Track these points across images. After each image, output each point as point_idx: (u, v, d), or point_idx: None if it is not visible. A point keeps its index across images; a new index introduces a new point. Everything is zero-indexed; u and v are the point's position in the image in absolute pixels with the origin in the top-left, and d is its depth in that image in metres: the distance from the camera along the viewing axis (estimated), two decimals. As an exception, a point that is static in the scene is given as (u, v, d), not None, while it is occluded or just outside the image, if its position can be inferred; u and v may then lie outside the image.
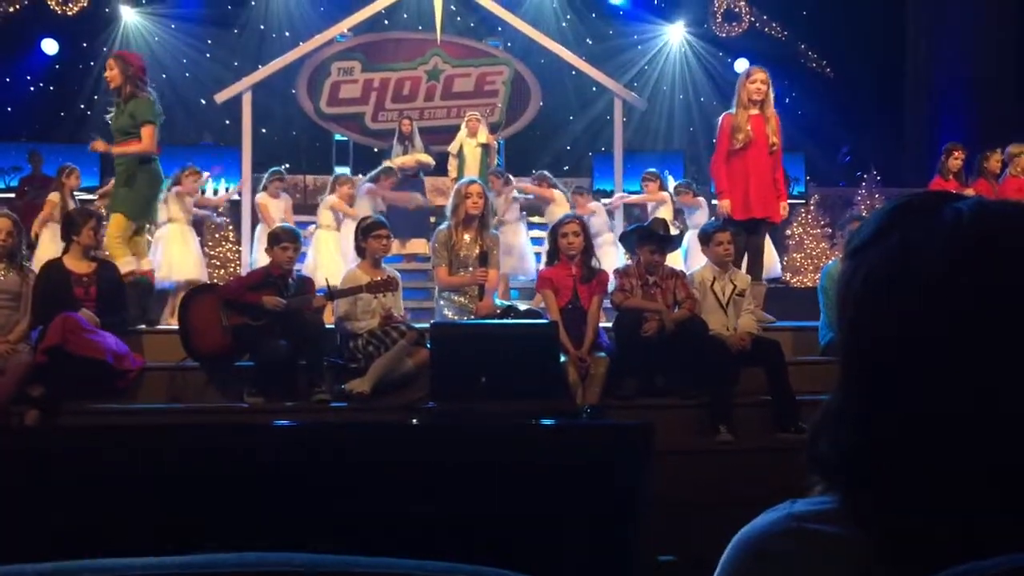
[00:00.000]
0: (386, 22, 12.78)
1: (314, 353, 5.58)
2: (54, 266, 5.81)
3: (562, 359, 5.36)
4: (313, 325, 5.62)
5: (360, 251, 5.97)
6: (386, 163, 9.99)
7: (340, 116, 12.82)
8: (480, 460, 1.94)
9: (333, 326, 5.87)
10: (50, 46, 13.38)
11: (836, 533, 0.77)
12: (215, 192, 10.47)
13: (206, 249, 9.56)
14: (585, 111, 13.59)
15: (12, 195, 10.77)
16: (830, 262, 8.08)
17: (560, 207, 8.77)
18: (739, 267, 6.36)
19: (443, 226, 6.21)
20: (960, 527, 0.73)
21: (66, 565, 0.69)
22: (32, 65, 13.58)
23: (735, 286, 5.90)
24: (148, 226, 7.14)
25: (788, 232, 11.25)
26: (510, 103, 12.92)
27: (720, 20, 14.45)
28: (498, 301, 6.30)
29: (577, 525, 1.86)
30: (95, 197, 9.37)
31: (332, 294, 5.65)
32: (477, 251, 6.01)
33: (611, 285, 5.87)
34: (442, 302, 6.11)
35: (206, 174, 9.10)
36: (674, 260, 7.20)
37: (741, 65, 12.79)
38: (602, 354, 5.56)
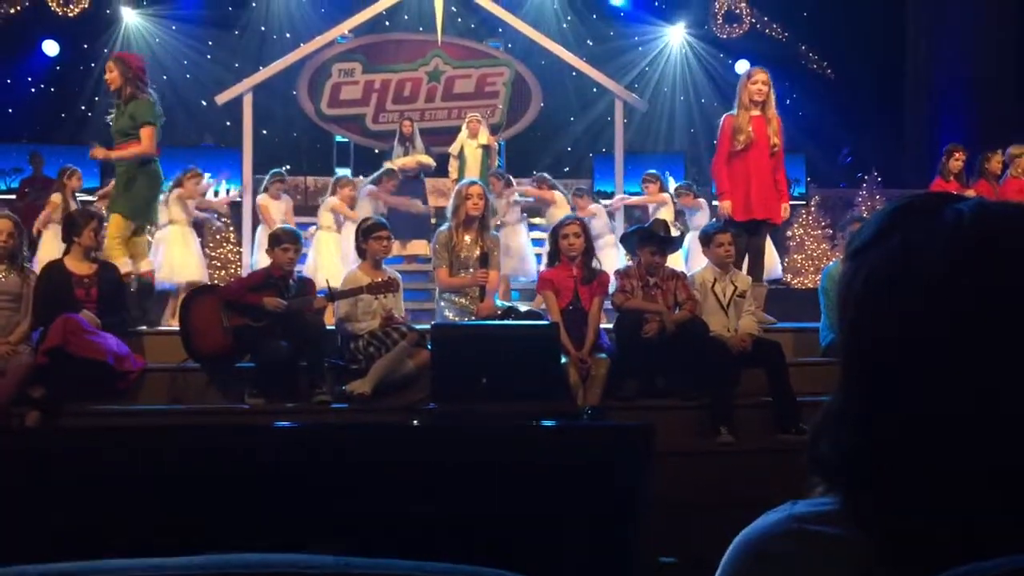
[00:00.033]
0: (387, 23, 12.79)
1: (315, 354, 5.58)
2: (55, 267, 5.81)
3: (563, 360, 5.36)
4: (314, 326, 5.62)
5: (361, 252, 5.97)
6: (387, 164, 9.99)
7: (341, 117, 12.83)
8: (481, 461, 1.94)
9: (334, 327, 5.87)
10: (51, 47, 13.39)
11: (837, 534, 0.77)
12: (215, 194, 10.48)
13: (207, 250, 9.57)
14: (586, 112, 13.59)
15: (13, 196, 10.78)
16: (831, 263, 8.08)
17: (561, 209, 8.77)
18: (739, 268, 6.36)
19: (444, 227, 6.21)
20: (961, 528, 0.73)
21: (68, 566, 0.69)
22: (33, 66, 13.59)
23: (736, 287, 5.90)
24: (149, 227, 7.14)
25: (789, 233, 11.25)
26: (511, 104, 12.93)
27: (721, 21, 14.45)
28: (499, 302, 6.30)
29: (578, 526, 1.86)
30: (95, 198, 9.38)
31: (333, 295, 5.65)
32: (478, 252, 6.01)
33: (612, 286, 5.87)
34: (443, 303, 6.11)
35: (208, 176, 9.09)
36: (675, 261, 7.20)
37: (742, 66, 12.79)
38: (603, 355, 5.56)
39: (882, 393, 0.78)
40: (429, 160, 10.15)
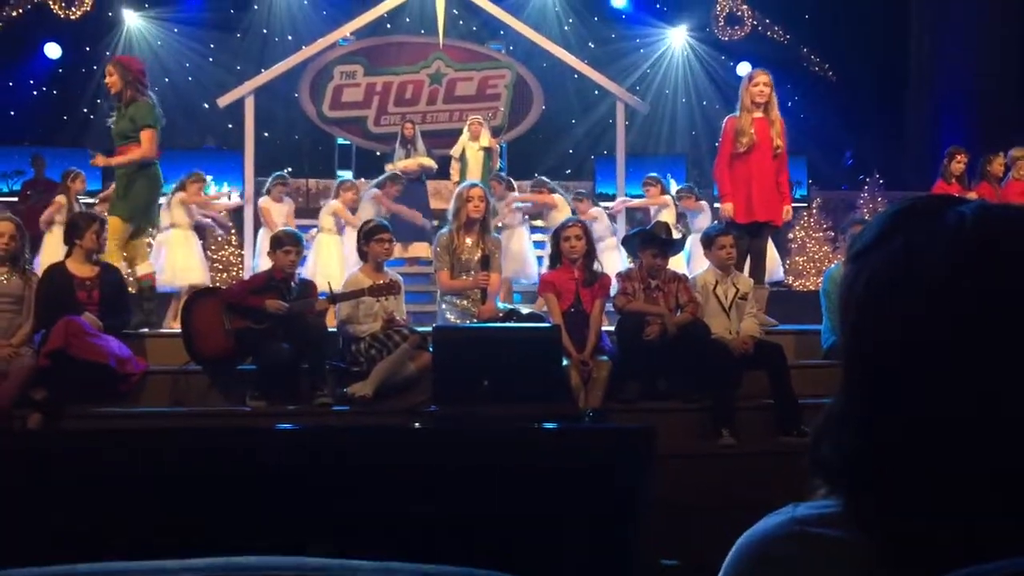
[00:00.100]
0: (388, 26, 12.81)
1: (316, 356, 5.58)
2: (57, 270, 5.81)
3: (564, 363, 5.36)
4: (315, 328, 5.62)
5: (362, 255, 5.98)
6: (389, 167, 10.01)
7: (342, 120, 12.85)
8: (482, 463, 1.94)
9: (335, 329, 5.88)
10: (53, 50, 13.41)
11: (839, 537, 0.77)
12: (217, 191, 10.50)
13: (208, 253, 9.57)
14: (587, 115, 13.60)
15: (15, 199, 10.79)
16: (832, 265, 8.07)
17: (561, 211, 8.77)
18: (741, 270, 6.36)
19: (444, 230, 6.21)
20: (962, 531, 0.73)
21: (70, 569, 0.69)
22: (35, 69, 13.61)
23: (737, 289, 5.89)
24: (150, 230, 7.15)
25: (790, 235, 11.26)
26: (512, 107, 12.95)
27: (722, 24, 14.46)
28: (500, 305, 6.30)
29: (579, 528, 1.86)
30: (96, 201, 9.39)
31: (334, 298, 5.66)
32: (479, 255, 6.01)
33: (613, 289, 5.87)
34: (444, 306, 6.11)
35: (210, 179, 9.10)
36: (676, 264, 7.20)
37: (743, 68, 12.79)
38: (604, 358, 5.56)
39: (884, 396, 0.78)
40: (430, 162, 10.15)
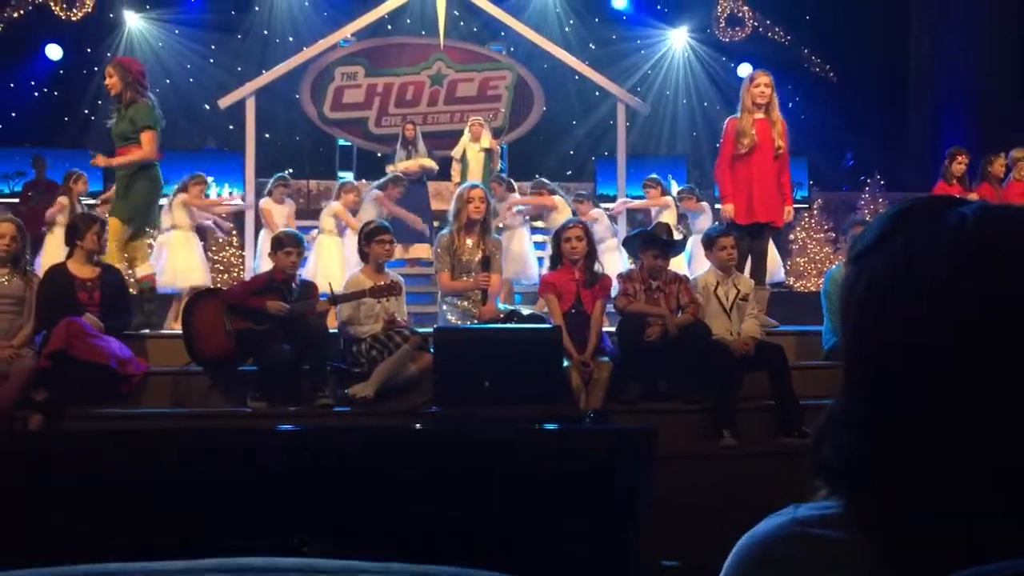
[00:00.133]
0: (389, 27, 12.81)
1: (317, 357, 5.58)
2: (58, 271, 5.82)
3: (565, 364, 5.35)
4: (316, 330, 5.62)
5: (363, 256, 5.98)
6: (390, 168, 10.01)
7: (343, 121, 12.85)
8: (483, 464, 1.94)
9: (336, 331, 5.88)
10: (54, 51, 13.41)
11: (840, 538, 0.77)
12: (219, 196, 10.50)
13: (210, 254, 9.58)
14: (588, 116, 13.60)
15: (16, 200, 10.80)
16: (833, 266, 8.07)
17: (562, 213, 8.76)
18: (742, 271, 6.36)
19: (445, 231, 6.21)
20: (963, 531, 0.73)
21: (71, 570, 0.69)
22: (36, 70, 13.61)
23: (738, 290, 5.89)
24: (150, 231, 7.15)
25: (791, 236, 11.25)
26: (513, 108, 12.95)
27: (723, 25, 14.46)
28: (501, 306, 6.30)
29: (580, 528, 1.86)
30: (97, 202, 9.40)
31: (335, 299, 5.66)
32: (479, 256, 6.01)
33: (614, 290, 5.87)
34: (445, 307, 6.11)
35: (212, 180, 9.11)
36: (677, 265, 7.20)
37: (744, 70, 12.78)
38: (605, 359, 5.56)
39: (885, 397, 0.78)
40: (431, 164, 10.16)
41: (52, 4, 13.26)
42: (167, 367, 5.88)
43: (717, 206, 7.44)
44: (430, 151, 10.35)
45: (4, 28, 13.24)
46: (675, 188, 10.21)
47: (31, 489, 1.86)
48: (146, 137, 6.44)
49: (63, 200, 8.80)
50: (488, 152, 10.23)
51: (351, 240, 7.96)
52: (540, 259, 8.62)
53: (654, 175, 9.87)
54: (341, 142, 12.93)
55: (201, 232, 8.82)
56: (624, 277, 5.90)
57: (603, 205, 10.00)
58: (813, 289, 10.07)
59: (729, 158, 6.65)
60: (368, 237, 5.92)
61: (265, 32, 13.68)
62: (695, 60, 14.35)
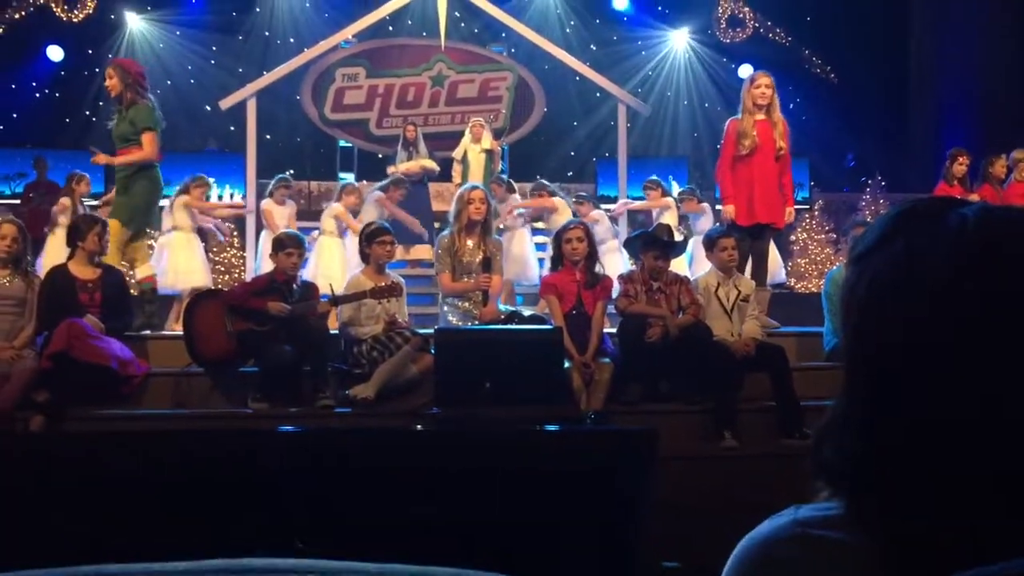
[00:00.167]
0: (390, 28, 12.82)
1: (318, 359, 5.58)
2: (59, 272, 5.82)
3: (566, 365, 5.35)
4: (317, 331, 5.62)
5: (364, 257, 5.98)
6: (391, 169, 10.01)
7: (344, 122, 12.85)
8: (484, 465, 1.94)
9: (337, 332, 5.88)
10: (55, 53, 13.42)
11: (841, 539, 0.77)
12: (220, 197, 10.50)
13: (211, 255, 9.58)
14: (589, 117, 13.61)
15: (17, 201, 10.81)
16: (834, 268, 8.07)
17: (562, 214, 8.76)
18: (743, 272, 6.36)
19: (446, 232, 6.21)
20: (965, 532, 0.73)
21: (72, 571, 0.70)
22: (37, 72, 13.63)
23: (739, 291, 5.89)
24: (150, 232, 7.16)
25: (792, 237, 11.25)
26: (514, 109, 12.95)
27: (724, 26, 14.46)
28: (502, 307, 6.30)
29: (581, 529, 1.86)
30: (99, 204, 9.41)
31: (336, 300, 5.66)
32: (480, 257, 6.01)
33: (615, 291, 5.87)
34: (446, 308, 6.11)
35: (214, 182, 9.11)
36: (678, 266, 7.20)
37: (745, 71, 12.78)
38: (606, 360, 5.55)
39: (886, 398, 0.78)
40: (432, 164, 10.16)
41: (53, 5, 13.28)
42: (168, 368, 5.88)
43: (718, 207, 7.44)
44: (431, 152, 10.35)
45: (5, 29, 13.25)
46: (676, 189, 10.21)
47: (32, 490, 1.87)
48: (147, 138, 6.44)
49: (65, 201, 8.81)
50: (489, 153, 10.23)
51: (352, 241, 7.97)
52: (541, 260, 8.62)
53: (654, 176, 9.87)
54: (342, 143, 12.93)
55: (202, 233, 8.82)
56: (625, 278, 5.90)
57: (604, 206, 10.00)
58: (814, 290, 10.07)
59: (730, 159, 6.65)
60: (369, 238, 5.93)
61: (266, 33, 13.69)
62: (696, 61, 14.35)
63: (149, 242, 7.31)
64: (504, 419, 4.68)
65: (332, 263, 8.49)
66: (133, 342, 5.91)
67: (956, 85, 13.21)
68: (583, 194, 10.07)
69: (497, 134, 11.41)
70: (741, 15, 14.49)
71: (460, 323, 5.93)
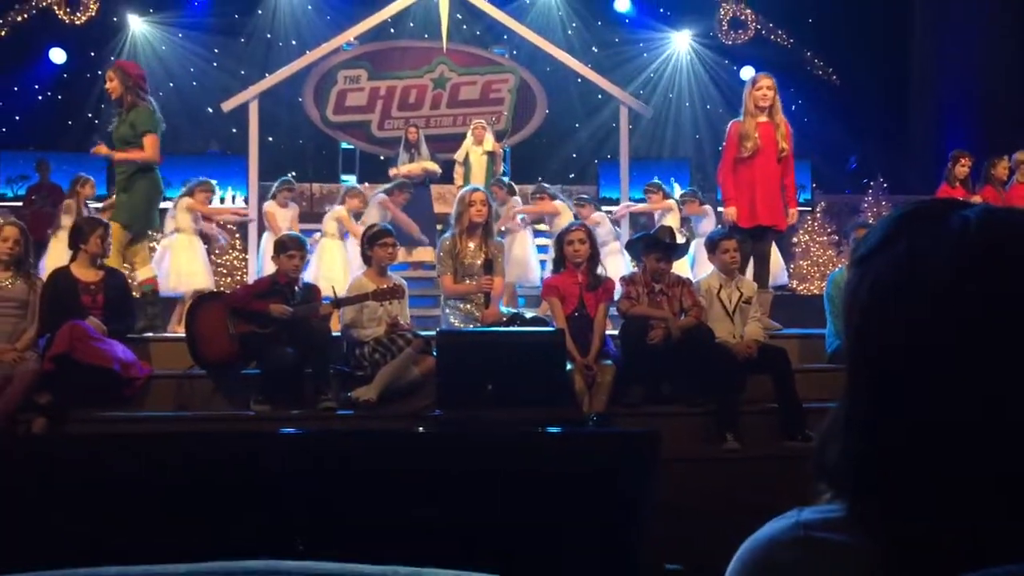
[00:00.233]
0: (392, 30, 12.82)
1: (320, 361, 5.59)
2: (61, 274, 5.82)
3: (568, 367, 5.35)
4: (319, 333, 5.62)
5: (366, 259, 5.98)
6: (392, 171, 10.02)
7: (346, 124, 12.86)
8: (486, 467, 1.93)
9: (339, 334, 5.88)
10: (58, 55, 13.44)
11: (844, 541, 0.77)
12: (221, 200, 10.51)
13: (213, 257, 9.58)
14: (591, 119, 13.60)
15: (20, 204, 10.82)
16: (836, 269, 8.06)
17: (564, 217, 8.75)
18: (744, 274, 6.35)
19: (447, 234, 6.21)
20: (967, 534, 0.72)
21: (74, 573, 0.70)
22: (40, 74, 13.64)
23: (741, 294, 5.89)
24: (150, 234, 7.16)
25: (794, 239, 11.25)
26: (516, 111, 12.94)
27: (726, 28, 14.45)
28: (504, 309, 6.30)
29: (583, 532, 1.86)
30: (102, 207, 9.42)
31: (338, 302, 5.66)
32: (482, 259, 6.02)
33: (617, 293, 5.87)
34: (448, 310, 6.12)
35: (215, 183, 9.11)
36: (680, 268, 7.20)
37: (747, 73, 12.79)
38: (608, 362, 5.55)
39: (888, 400, 0.77)
40: (434, 167, 10.16)
41: (56, 8, 13.29)
42: (170, 370, 5.89)
43: (720, 209, 7.44)
44: (433, 154, 10.35)
45: (8, 32, 13.27)
46: (678, 191, 10.20)
47: (34, 492, 1.87)
48: (148, 141, 6.46)
49: (70, 203, 8.83)
50: (491, 155, 10.23)
51: (354, 243, 7.96)
52: (543, 262, 8.62)
53: (656, 180, 9.87)
54: (344, 145, 12.93)
55: (204, 236, 8.83)
56: (627, 280, 5.90)
57: (605, 208, 10.00)
58: (816, 292, 10.05)
59: (732, 161, 6.65)
60: (371, 240, 5.93)
61: (268, 35, 13.70)
62: (698, 63, 14.35)
63: (151, 244, 7.32)
64: (506, 421, 4.67)
65: (334, 265, 8.49)
66: (135, 344, 5.91)
67: (958, 86, 13.20)
68: (585, 196, 10.07)
69: (499, 136, 11.41)
70: (743, 17, 14.48)
71: (462, 325, 5.94)
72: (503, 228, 8.58)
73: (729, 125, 6.82)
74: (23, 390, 5.22)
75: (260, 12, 13.77)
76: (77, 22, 13.39)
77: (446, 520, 1.77)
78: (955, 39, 13.20)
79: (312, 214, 10.52)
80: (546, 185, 9.69)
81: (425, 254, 9.16)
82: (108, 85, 6.67)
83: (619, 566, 1.86)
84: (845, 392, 0.82)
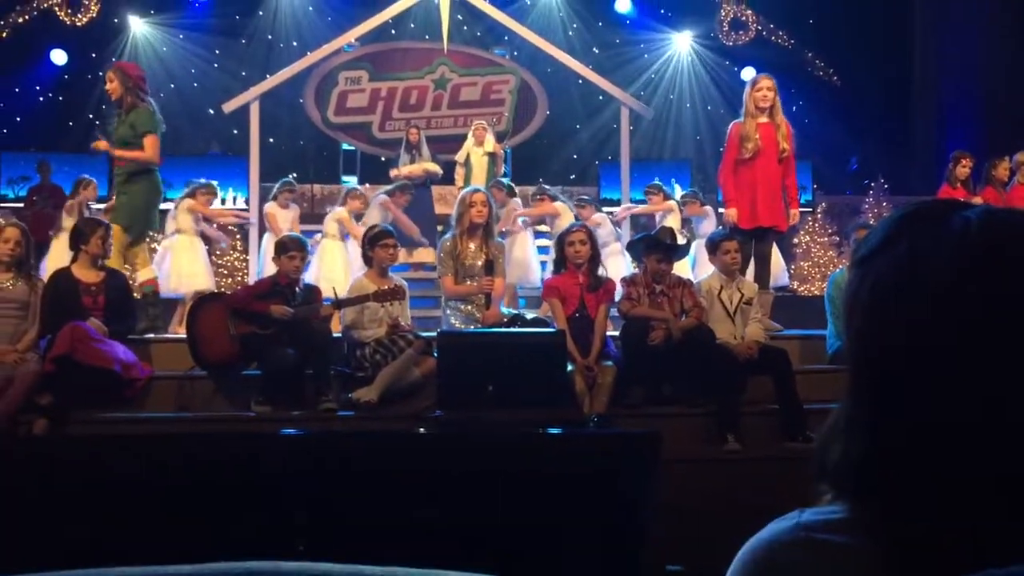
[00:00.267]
0: (393, 32, 12.83)
1: (321, 362, 5.59)
2: (62, 275, 5.83)
3: (569, 368, 5.35)
4: (320, 334, 5.62)
5: (367, 260, 5.99)
6: (394, 172, 10.02)
7: (347, 125, 12.86)
8: (487, 469, 1.93)
9: (340, 335, 5.88)
10: (59, 56, 13.45)
11: (845, 543, 0.77)
12: (223, 201, 10.51)
13: (214, 258, 9.59)
14: (592, 120, 13.60)
15: (21, 205, 10.82)
16: (837, 270, 8.06)
17: (565, 218, 8.76)
18: (745, 275, 6.35)
19: (448, 235, 6.22)
20: (968, 535, 0.72)
21: (76, 574, 0.70)
22: (41, 75, 13.65)
23: (742, 294, 5.89)
24: (151, 235, 7.16)
25: (795, 240, 11.25)
26: (517, 112, 12.95)
27: (727, 29, 14.45)
28: (504, 310, 6.30)
29: (584, 533, 1.86)
30: (104, 208, 9.42)
31: (339, 303, 5.66)
32: (482, 260, 6.02)
33: (618, 294, 5.87)
34: (448, 311, 6.12)
35: (216, 184, 9.12)
36: (681, 269, 7.19)
37: (748, 73, 12.77)
38: (609, 363, 5.55)
39: (889, 401, 0.77)
40: (435, 168, 10.17)
41: (57, 9, 13.30)
42: (171, 371, 5.89)
43: (721, 210, 7.44)
44: (434, 155, 10.36)
45: (10, 33, 13.28)
46: (679, 192, 10.20)
47: (35, 493, 1.87)
48: (148, 142, 6.46)
49: (71, 204, 8.83)
50: (492, 156, 10.23)
51: (354, 245, 7.97)
52: (543, 263, 8.62)
53: (656, 181, 9.87)
54: (345, 146, 12.94)
55: (205, 237, 8.83)
56: (628, 281, 5.90)
57: (606, 209, 10.00)
58: (817, 293, 10.05)
59: (732, 162, 6.65)
60: (372, 241, 5.93)
61: (269, 37, 13.71)
62: (699, 64, 14.35)
63: (152, 245, 7.32)
64: (507, 422, 4.67)
65: (335, 266, 8.49)
66: (136, 345, 5.92)
67: (959, 88, 13.20)
68: (585, 197, 10.06)
69: (500, 137, 11.42)
70: (744, 18, 14.48)
71: (463, 326, 5.94)
72: (504, 229, 8.58)
73: (730, 126, 6.82)
74: (24, 391, 5.22)
75: (261, 13, 13.77)
76: (78, 23, 13.40)
77: (447, 521, 1.77)
78: (956, 40, 13.20)
79: (313, 215, 10.52)
80: (547, 186, 9.69)
81: (426, 255, 9.16)
82: (108, 86, 6.68)
83: (620, 567, 1.86)
84: (846, 393, 0.82)
